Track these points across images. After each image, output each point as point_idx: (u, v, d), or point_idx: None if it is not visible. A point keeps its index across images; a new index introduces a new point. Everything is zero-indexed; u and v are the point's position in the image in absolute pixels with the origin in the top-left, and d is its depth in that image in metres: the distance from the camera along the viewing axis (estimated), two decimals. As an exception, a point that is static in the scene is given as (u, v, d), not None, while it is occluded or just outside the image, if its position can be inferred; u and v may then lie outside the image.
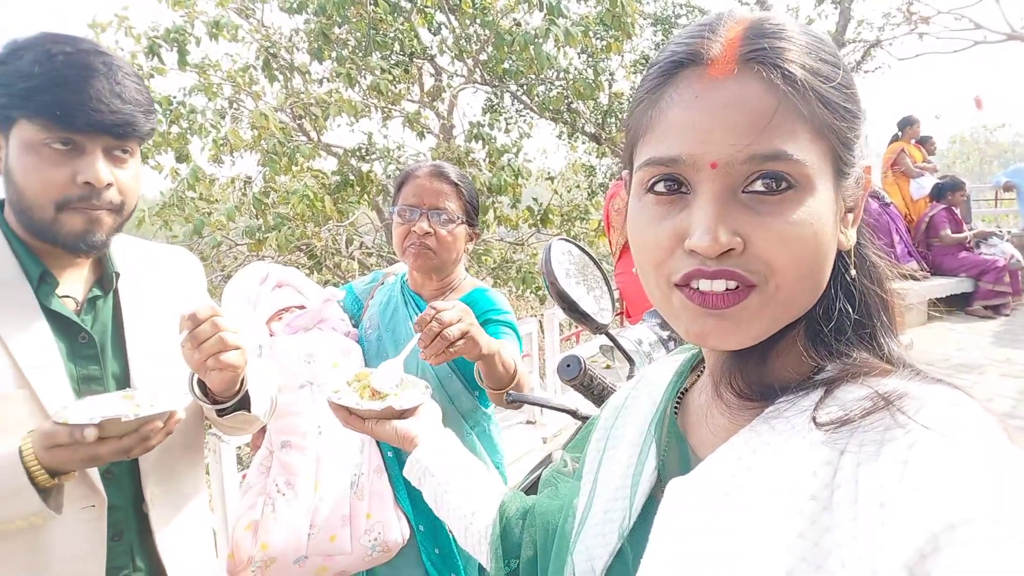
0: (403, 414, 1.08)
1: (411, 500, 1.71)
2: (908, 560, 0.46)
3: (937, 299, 7.77)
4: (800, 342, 0.65)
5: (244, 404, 1.31)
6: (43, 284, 1.18)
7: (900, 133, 8.75)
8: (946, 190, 8.17)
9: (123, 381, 1.24)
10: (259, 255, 7.67)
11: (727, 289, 0.59)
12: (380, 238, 9.02)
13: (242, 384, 1.28)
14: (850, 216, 0.65)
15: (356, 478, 1.66)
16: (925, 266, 8.01)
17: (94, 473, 1.17)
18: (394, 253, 1.86)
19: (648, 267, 0.64)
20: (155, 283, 1.34)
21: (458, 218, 1.77)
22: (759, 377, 0.65)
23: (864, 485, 0.51)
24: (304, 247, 7.65)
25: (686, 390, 0.79)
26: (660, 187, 0.62)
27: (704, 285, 0.60)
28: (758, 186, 0.58)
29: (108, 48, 1.17)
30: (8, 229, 1.19)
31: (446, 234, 1.74)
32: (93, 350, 1.22)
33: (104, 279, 1.27)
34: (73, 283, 1.24)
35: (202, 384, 1.25)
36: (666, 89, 0.62)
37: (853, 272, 0.66)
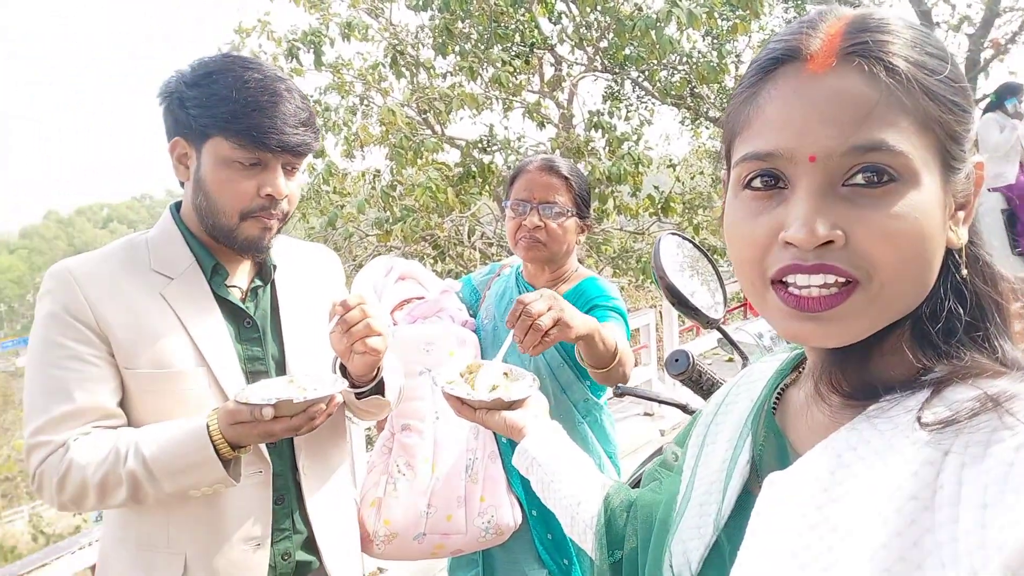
0: (512, 405, 1.13)
1: (524, 486, 1.76)
2: (1009, 562, 0.45)
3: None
4: (906, 343, 0.63)
5: (379, 389, 1.43)
6: (215, 275, 1.36)
7: None
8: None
9: (280, 361, 1.40)
10: (387, 246, 8.02)
11: (824, 286, 0.58)
12: (500, 228, 9.17)
13: (378, 371, 1.40)
14: (961, 214, 0.63)
15: (471, 462, 1.74)
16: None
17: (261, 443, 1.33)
18: None
19: (743, 263, 0.64)
20: (304, 276, 1.50)
21: (568, 211, 1.80)
22: (861, 376, 0.63)
23: (967, 486, 0.50)
24: (428, 237, 7.92)
25: (786, 387, 0.78)
26: (757, 183, 0.62)
27: (801, 280, 0.59)
28: (859, 179, 0.57)
29: (282, 74, 1.33)
30: (185, 227, 1.37)
31: (556, 227, 1.78)
32: (256, 334, 1.38)
33: (264, 271, 1.43)
34: (239, 274, 1.41)
35: (343, 369, 1.38)
36: (764, 85, 0.62)
37: (964, 271, 0.63)
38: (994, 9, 10.19)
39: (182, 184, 1.36)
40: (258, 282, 1.42)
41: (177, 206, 1.41)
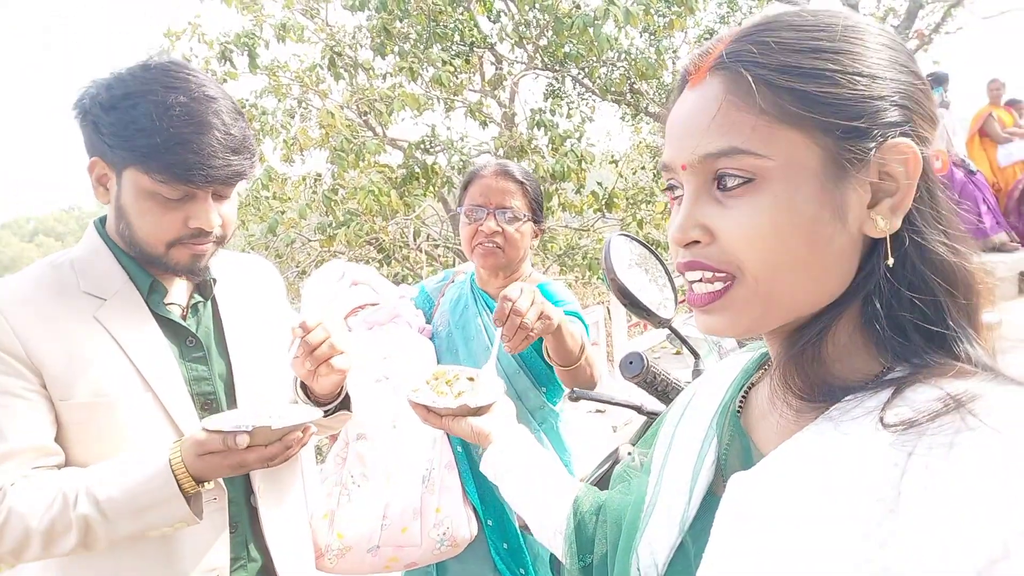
0: (478, 411, 1.13)
1: (480, 495, 1.76)
2: (977, 565, 0.46)
3: (1030, 271, 7.33)
4: (861, 342, 0.64)
5: (345, 404, 1.39)
6: (153, 293, 1.28)
7: (988, 97, 8.24)
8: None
9: (228, 379, 1.34)
10: (330, 251, 7.89)
11: (703, 281, 0.64)
12: (446, 229, 9.12)
13: (342, 387, 1.37)
14: (888, 201, 0.61)
15: (428, 472, 1.71)
16: (1016, 237, 7.56)
17: None
18: (460, 244, 1.90)
19: (672, 260, 0.71)
20: (245, 288, 1.44)
21: (524, 216, 1.79)
22: (819, 377, 0.64)
23: (932, 489, 0.50)
24: (373, 241, 7.82)
25: (752, 387, 0.79)
26: (669, 191, 0.71)
27: (688, 276, 0.66)
28: (725, 182, 0.62)
29: (214, 89, 1.21)
30: (115, 246, 1.28)
31: (513, 232, 1.78)
32: (200, 352, 1.32)
33: (203, 286, 1.36)
34: (177, 291, 1.34)
35: (303, 387, 1.34)
36: (672, 103, 0.70)
37: (890, 261, 0.61)
38: (918, 1, 10.61)
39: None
40: (198, 298, 1.35)
41: (103, 220, 1.31)
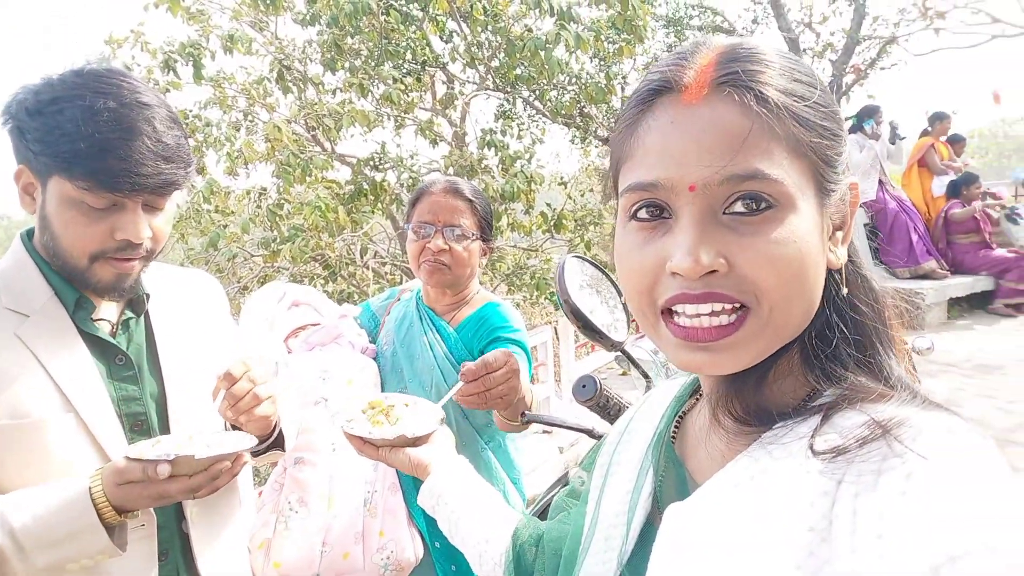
0: (416, 442, 1.10)
1: (426, 518, 1.71)
2: None
3: (958, 298, 7.67)
4: (796, 365, 0.65)
5: (278, 442, 1.34)
6: (79, 309, 1.21)
7: (930, 128, 8.64)
8: (960, 185, 8.08)
9: (160, 400, 1.27)
10: (274, 266, 7.71)
11: (713, 314, 0.59)
12: (394, 247, 9.04)
13: (275, 426, 1.32)
14: (839, 234, 0.65)
15: (370, 495, 1.67)
16: (945, 265, 7.90)
17: None
18: (408, 262, 1.87)
19: (634, 294, 0.65)
20: (182, 304, 1.37)
21: (472, 234, 1.77)
22: (756, 402, 0.64)
23: (862, 516, 0.51)
24: (319, 257, 7.67)
25: (685, 414, 0.79)
26: (643, 213, 0.63)
27: (690, 310, 0.60)
28: (738, 207, 0.59)
29: (149, 95, 1.15)
30: (40, 258, 1.21)
31: (461, 250, 1.75)
32: (131, 371, 1.25)
33: (135, 302, 1.29)
34: (107, 307, 1.26)
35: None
36: (644, 117, 0.64)
37: (845, 291, 0.65)
38: (855, 37, 11.08)
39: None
40: (129, 314, 1.28)
41: (30, 233, 1.24)
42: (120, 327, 1.27)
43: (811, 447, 0.57)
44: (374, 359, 1.87)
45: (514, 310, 1.91)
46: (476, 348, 1.78)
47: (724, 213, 0.59)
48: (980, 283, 7.75)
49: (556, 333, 5.51)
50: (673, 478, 0.73)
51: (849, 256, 0.67)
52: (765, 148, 0.58)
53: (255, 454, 1.32)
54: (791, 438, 0.60)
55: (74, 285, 1.20)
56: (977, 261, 7.87)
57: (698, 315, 0.60)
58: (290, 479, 1.65)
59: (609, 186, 0.72)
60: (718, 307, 0.59)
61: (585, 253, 8.84)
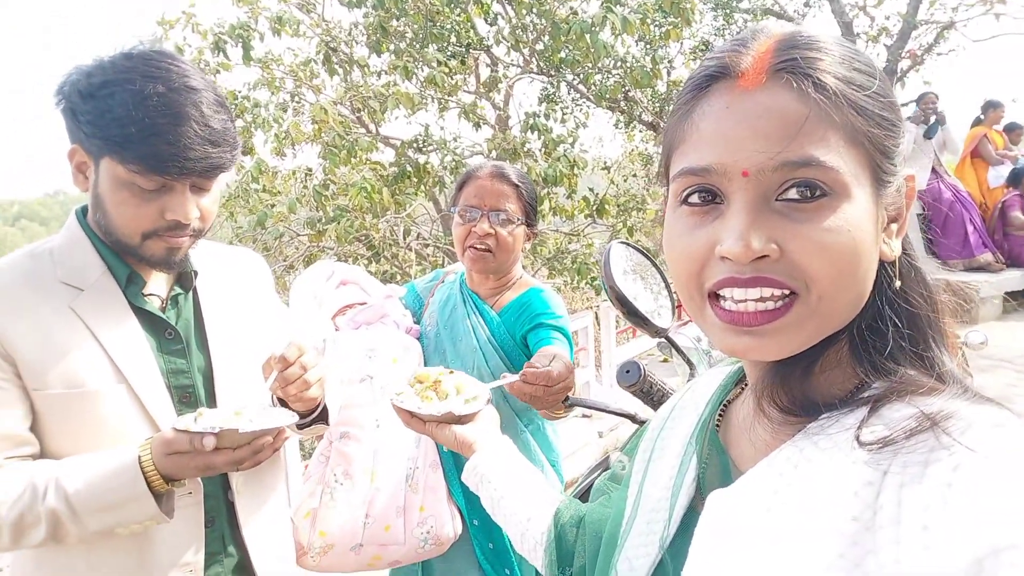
0: (462, 419, 1.11)
1: (465, 495, 1.75)
2: None
3: (1014, 292, 7.41)
4: (845, 357, 0.65)
5: (323, 416, 1.38)
6: (131, 284, 1.25)
7: (983, 117, 8.32)
8: (1021, 175, 7.77)
9: (207, 373, 1.32)
10: (319, 246, 7.84)
11: (761, 300, 0.59)
12: (437, 229, 9.10)
13: (320, 402, 1.35)
14: (894, 226, 0.65)
15: (411, 471, 1.71)
16: (1001, 257, 7.64)
17: None
18: (451, 243, 1.90)
19: (682, 277, 0.65)
20: (228, 281, 1.41)
21: (518, 219, 1.78)
22: (802, 392, 0.64)
23: (907, 507, 0.50)
24: (363, 238, 7.77)
25: (730, 402, 0.79)
26: (694, 198, 0.63)
27: (738, 294, 0.60)
28: (792, 194, 0.58)
29: (197, 79, 1.17)
30: (94, 234, 1.25)
31: (506, 235, 1.76)
32: (179, 345, 1.29)
33: (184, 277, 1.33)
34: (157, 282, 1.31)
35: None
36: (699, 102, 0.64)
37: (898, 284, 0.65)
38: (911, 21, 10.72)
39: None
40: (178, 290, 1.32)
41: (84, 210, 1.28)
42: (169, 302, 1.31)
43: (857, 438, 0.56)
44: (418, 339, 1.90)
45: (556, 296, 1.92)
46: (518, 333, 1.79)
47: (777, 200, 0.59)
48: (1037, 277, 7.48)
49: (597, 318, 5.50)
50: (716, 465, 0.73)
51: (904, 249, 0.66)
52: (821, 136, 0.58)
53: (300, 427, 1.36)
54: (837, 429, 0.59)
55: (126, 260, 1.25)
56: (1035, 254, 7.59)
57: (745, 300, 0.60)
58: (336, 452, 1.70)
59: (659, 172, 0.72)
60: (767, 292, 0.59)
61: (628, 239, 8.77)
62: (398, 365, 1.77)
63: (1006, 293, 7.32)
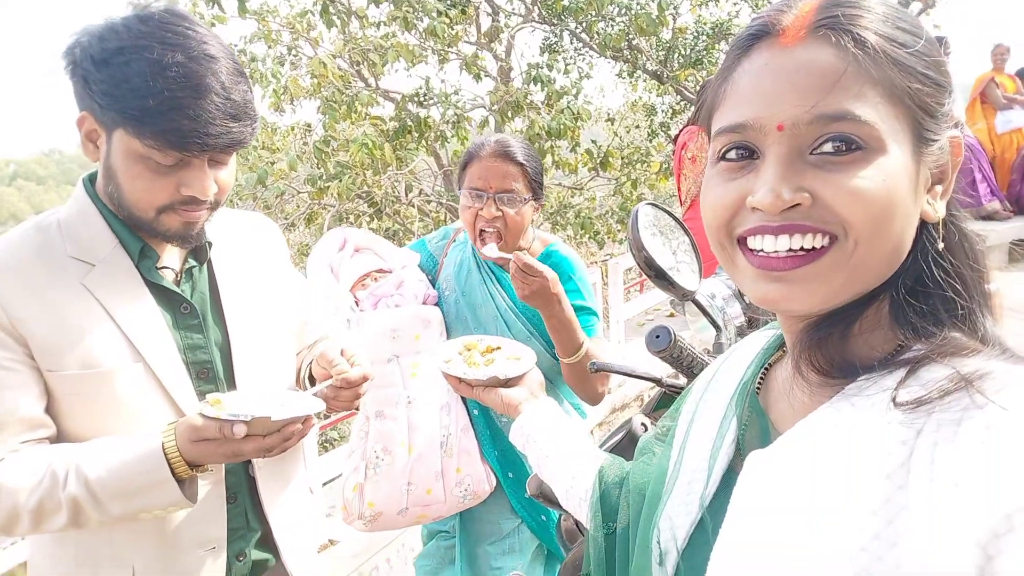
0: (508, 383, 1.18)
1: (496, 453, 1.84)
2: (981, 539, 0.47)
3: (1021, 240, 7.35)
4: (885, 320, 0.65)
5: None
6: (144, 258, 1.21)
7: (992, 62, 8.11)
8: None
9: (224, 348, 1.29)
10: (320, 203, 7.76)
11: (790, 249, 0.60)
12: (439, 185, 9.01)
13: None
14: (939, 187, 0.64)
15: (445, 438, 1.80)
16: (1009, 206, 7.55)
17: None
18: (453, 199, 1.88)
19: (712, 227, 0.66)
20: (243, 251, 1.37)
21: (525, 198, 1.75)
22: (840, 354, 0.64)
23: (940, 465, 0.51)
24: (364, 195, 7.71)
25: (772, 365, 0.80)
26: (731, 155, 0.64)
27: (768, 244, 0.61)
28: (827, 147, 0.59)
29: (215, 46, 1.10)
30: (105, 207, 1.20)
31: (514, 214, 1.74)
32: (196, 319, 1.25)
33: (199, 250, 1.28)
34: (170, 255, 1.26)
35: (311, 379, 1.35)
36: (740, 62, 0.65)
37: (941, 245, 0.64)
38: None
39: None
40: (192, 262, 1.28)
41: (91, 178, 1.22)
42: (183, 276, 1.26)
43: (893, 399, 0.57)
44: (437, 304, 1.88)
45: (574, 253, 1.89)
46: None
47: (812, 153, 0.59)
48: (1045, 225, 7.41)
49: (604, 276, 5.47)
50: (756, 427, 0.74)
51: (949, 210, 0.66)
52: (858, 91, 0.58)
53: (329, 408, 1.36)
54: (875, 390, 0.60)
55: (139, 234, 1.20)
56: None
57: (776, 248, 0.61)
58: (374, 431, 1.78)
59: (702, 133, 0.72)
60: (796, 242, 0.60)
61: (632, 192, 8.67)
62: (420, 341, 1.79)
63: (1013, 241, 7.27)
